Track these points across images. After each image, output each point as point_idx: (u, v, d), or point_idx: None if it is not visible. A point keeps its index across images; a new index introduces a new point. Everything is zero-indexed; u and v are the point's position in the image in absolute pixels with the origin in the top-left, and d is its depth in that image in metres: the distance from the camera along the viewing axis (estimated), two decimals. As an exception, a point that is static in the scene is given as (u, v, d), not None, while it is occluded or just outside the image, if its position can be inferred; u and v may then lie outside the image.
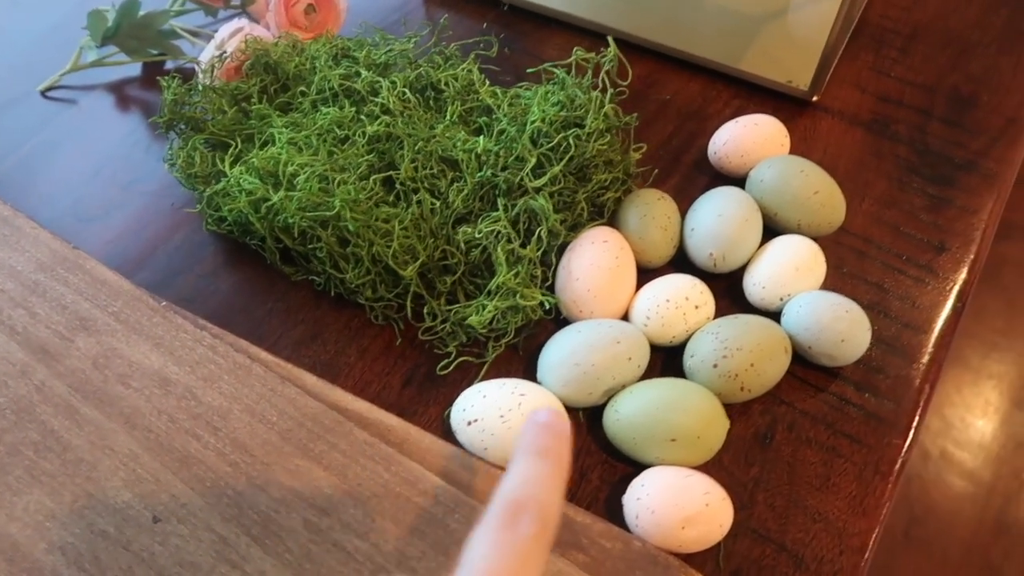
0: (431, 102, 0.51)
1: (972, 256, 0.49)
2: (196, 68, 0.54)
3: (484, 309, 0.42)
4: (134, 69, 0.61)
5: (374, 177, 0.44)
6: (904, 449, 0.43)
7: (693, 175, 0.53)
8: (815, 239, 0.47)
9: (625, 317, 0.44)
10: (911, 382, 0.44)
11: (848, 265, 0.48)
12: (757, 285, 0.44)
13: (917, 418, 0.44)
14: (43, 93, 0.60)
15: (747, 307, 0.45)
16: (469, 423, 0.39)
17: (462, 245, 0.44)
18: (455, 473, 0.39)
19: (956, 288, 0.48)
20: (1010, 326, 0.91)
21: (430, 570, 0.35)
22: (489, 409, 0.39)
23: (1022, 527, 0.79)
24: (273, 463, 0.38)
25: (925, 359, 0.45)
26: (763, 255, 0.45)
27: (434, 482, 0.37)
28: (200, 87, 0.51)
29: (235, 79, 0.54)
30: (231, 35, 0.54)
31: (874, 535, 0.40)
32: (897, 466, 0.42)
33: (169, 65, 0.61)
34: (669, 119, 0.56)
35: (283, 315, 0.46)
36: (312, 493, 0.37)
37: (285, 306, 0.47)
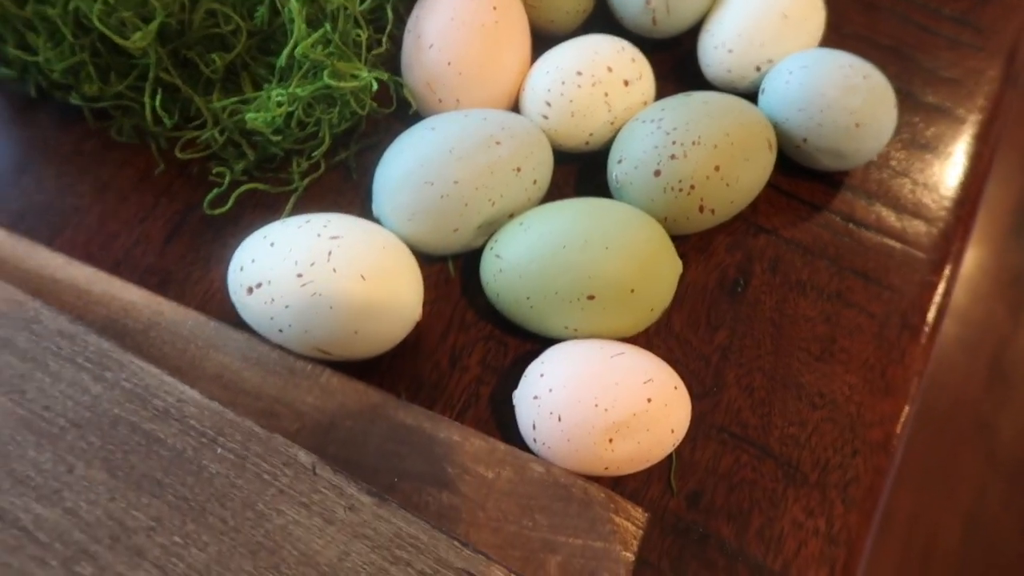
0: None
1: (1029, 4, 0.34)
2: None
3: (270, 100, 0.25)
4: None
5: None
6: (939, 291, 0.28)
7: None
8: (805, -19, 0.31)
9: (515, 108, 0.28)
10: (948, 190, 0.30)
11: (851, 23, 0.33)
12: (721, 47, 0.28)
13: (957, 243, 0.29)
14: None
15: (703, 86, 0.30)
16: (251, 289, 0.23)
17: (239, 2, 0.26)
18: (233, 375, 0.23)
19: (1006, 49, 0.33)
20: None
21: (166, 548, 0.20)
22: (280, 264, 0.23)
23: (1020, 375, 0.68)
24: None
25: (965, 156, 0.30)
26: (729, 1, 0.29)
27: (183, 395, 0.21)
28: None
29: None
30: None
31: (901, 422, 0.26)
32: (931, 315, 0.28)
33: None
34: None
35: (-28, 137, 0.29)
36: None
37: (-25, 123, 0.29)
